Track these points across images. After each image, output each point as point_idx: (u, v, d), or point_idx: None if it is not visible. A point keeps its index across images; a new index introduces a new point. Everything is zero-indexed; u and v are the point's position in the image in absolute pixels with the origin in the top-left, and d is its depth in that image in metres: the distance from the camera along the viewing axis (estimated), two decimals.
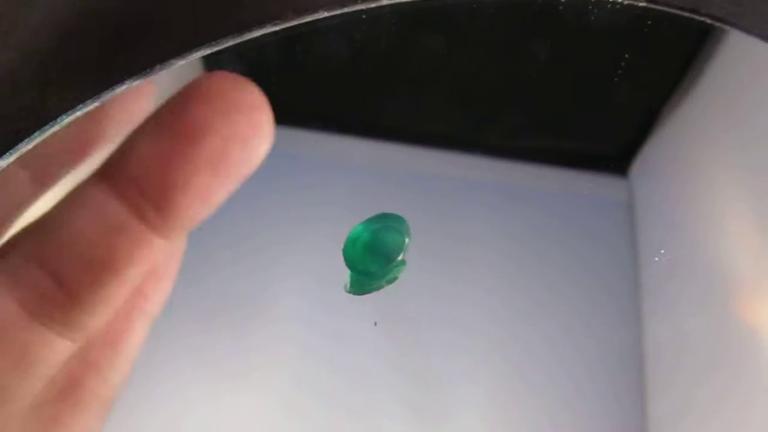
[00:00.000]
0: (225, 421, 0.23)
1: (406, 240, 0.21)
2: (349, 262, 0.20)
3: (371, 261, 0.20)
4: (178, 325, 0.21)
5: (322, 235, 0.22)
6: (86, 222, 0.14)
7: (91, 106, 0.17)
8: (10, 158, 0.17)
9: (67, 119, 0.17)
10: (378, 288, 0.20)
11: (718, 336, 0.23)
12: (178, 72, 0.18)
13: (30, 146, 0.17)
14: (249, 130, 0.14)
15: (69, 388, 0.16)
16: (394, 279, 0.21)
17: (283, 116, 0.26)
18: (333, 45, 0.25)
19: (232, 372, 0.23)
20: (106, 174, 0.15)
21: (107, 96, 0.17)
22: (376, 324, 0.23)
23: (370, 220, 0.20)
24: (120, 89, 0.17)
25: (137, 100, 0.18)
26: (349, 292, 0.21)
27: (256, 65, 0.24)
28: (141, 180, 0.14)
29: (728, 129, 0.23)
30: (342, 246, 0.20)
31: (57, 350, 0.15)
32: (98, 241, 0.14)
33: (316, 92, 0.26)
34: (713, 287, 0.23)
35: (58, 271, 0.14)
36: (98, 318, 0.15)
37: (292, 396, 0.23)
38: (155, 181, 0.14)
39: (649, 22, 0.24)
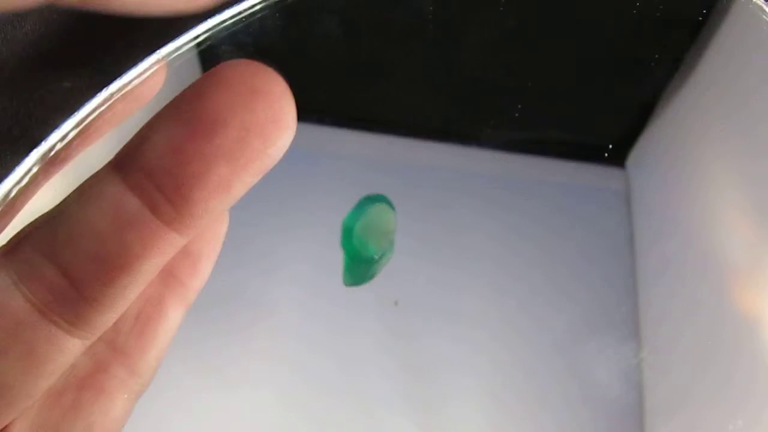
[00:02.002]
0: (222, 412, 0.23)
1: (395, 213, 0.21)
2: (351, 252, 0.20)
3: (371, 243, 0.20)
4: None
5: (319, 226, 0.22)
6: (99, 216, 0.14)
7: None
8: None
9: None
10: (374, 275, 0.21)
11: (714, 323, 0.23)
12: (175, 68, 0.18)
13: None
14: (270, 120, 0.14)
15: (93, 375, 0.16)
16: (386, 263, 0.21)
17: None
18: (328, 39, 0.25)
19: (230, 363, 0.23)
20: (120, 165, 0.14)
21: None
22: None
23: (357, 207, 0.21)
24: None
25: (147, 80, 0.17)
26: (350, 285, 0.21)
27: (253, 56, 0.25)
28: (156, 173, 0.14)
29: (723, 120, 0.23)
30: (338, 237, 0.21)
31: (66, 349, 0.14)
32: (111, 236, 0.14)
33: (312, 84, 0.26)
34: (709, 275, 0.23)
35: (69, 267, 0.14)
36: (109, 315, 0.15)
37: (290, 385, 0.23)
38: (171, 174, 0.14)
39: (646, 15, 0.24)
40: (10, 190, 0.16)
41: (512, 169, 0.26)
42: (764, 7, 0.17)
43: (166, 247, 0.14)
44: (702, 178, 0.24)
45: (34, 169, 0.16)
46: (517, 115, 0.26)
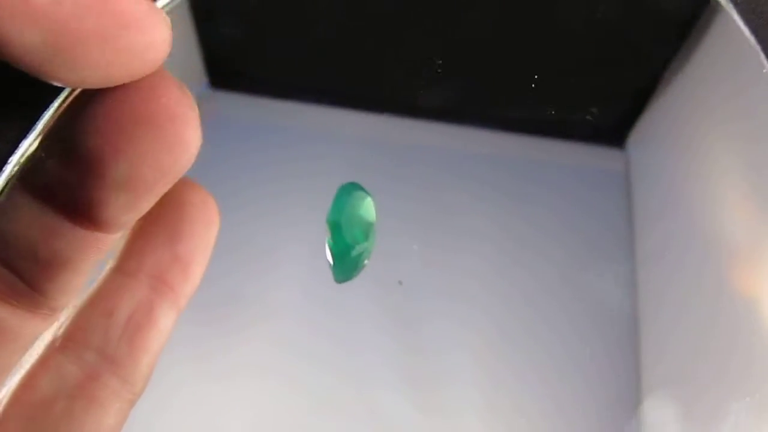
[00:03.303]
0: (218, 409, 0.23)
1: (368, 198, 0.21)
2: (340, 247, 0.20)
3: (357, 235, 0.20)
4: None
5: (312, 224, 0.22)
6: (25, 227, 0.14)
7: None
8: None
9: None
10: (361, 268, 0.21)
11: (714, 305, 0.23)
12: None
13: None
14: (163, 148, 0.13)
15: (84, 384, 0.16)
16: (371, 251, 0.21)
17: (275, 89, 0.26)
18: (327, 20, 0.25)
19: (226, 364, 0.23)
20: (29, 182, 0.14)
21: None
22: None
23: (336, 200, 0.20)
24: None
25: None
26: (340, 281, 0.21)
27: (251, 40, 0.24)
28: (60, 194, 0.14)
29: (724, 101, 0.23)
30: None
31: (33, 323, 0.15)
32: (41, 243, 0.14)
33: (310, 66, 0.26)
34: (709, 256, 0.23)
35: (12, 265, 0.14)
36: (65, 298, 0.15)
37: (286, 384, 0.23)
38: (73, 197, 0.14)
39: None
40: None
41: (510, 150, 0.26)
42: None
43: (97, 245, 0.14)
44: (702, 160, 0.24)
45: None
46: (514, 95, 0.25)
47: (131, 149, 0.13)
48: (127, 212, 0.14)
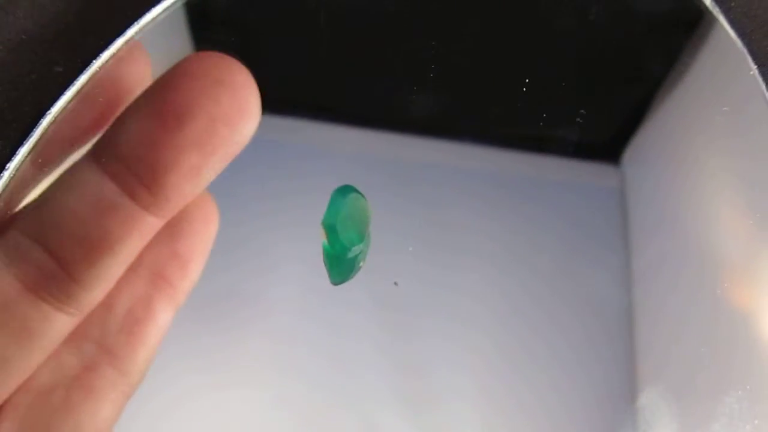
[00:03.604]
0: (216, 410, 0.23)
1: (363, 200, 0.21)
2: (336, 249, 0.20)
3: (353, 236, 0.20)
4: None
5: (311, 224, 0.22)
6: (80, 201, 0.15)
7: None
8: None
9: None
10: (357, 269, 0.21)
11: (709, 321, 0.23)
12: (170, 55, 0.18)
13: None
14: (235, 110, 0.15)
15: (82, 375, 0.16)
16: (366, 253, 0.21)
17: (271, 104, 0.26)
18: (323, 36, 0.25)
19: (225, 361, 0.23)
20: (98, 155, 0.15)
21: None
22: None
23: (332, 203, 0.21)
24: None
25: (134, 83, 0.18)
26: (337, 284, 0.21)
27: (244, 53, 0.24)
28: (131, 161, 0.15)
29: (719, 118, 0.23)
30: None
31: (55, 323, 0.15)
32: (91, 219, 0.15)
33: (304, 80, 0.26)
34: (705, 274, 0.23)
35: (55, 249, 0.15)
36: (95, 293, 0.15)
37: (285, 382, 0.23)
38: (144, 161, 0.14)
39: (642, 13, 0.24)
40: (6, 175, 0.17)
41: (506, 166, 0.26)
42: None
43: (144, 229, 0.15)
44: (698, 176, 0.24)
45: (26, 153, 0.17)
46: (510, 111, 0.25)
47: (211, 105, 0.14)
48: (191, 178, 0.15)
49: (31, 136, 0.17)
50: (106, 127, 0.16)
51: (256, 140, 0.26)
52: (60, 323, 0.15)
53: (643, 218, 0.25)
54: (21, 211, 0.16)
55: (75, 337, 0.16)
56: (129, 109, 0.15)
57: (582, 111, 0.25)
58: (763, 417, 0.21)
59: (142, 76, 0.18)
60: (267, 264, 0.24)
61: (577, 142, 0.26)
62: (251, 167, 0.25)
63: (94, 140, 0.16)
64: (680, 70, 0.24)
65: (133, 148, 0.15)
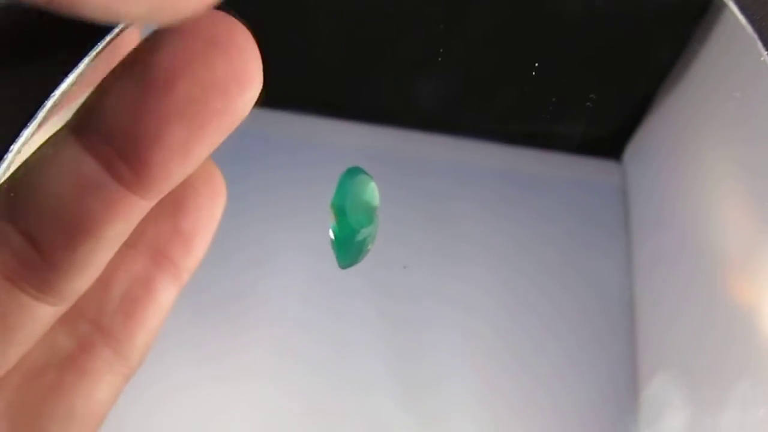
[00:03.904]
0: (216, 410, 0.23)
1: (372, 182, 0.21)
2: (344, 231, 0.20)
3: (362, 218, 0.20)
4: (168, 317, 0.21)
5: (312, 214, 0.22)
6: (58, 180, 0.13)
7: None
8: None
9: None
10: (366, 252, 0.20)
11: (711, 315, 0.23)
12: None
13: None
14: (231, 77, 0.13)
15: (76, 355, 0.15)
16: (375, 236, 0.21)
17: (272, 99, 0.26)
18: (324, 29, 0.25)
19: (225, 351, 0.23)
20: (77, 127, 0.14)
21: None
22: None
23: (340, 185, 0.20)
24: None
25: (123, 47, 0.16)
26: (345, 267, 0.21)
27: None
28: (112, 134, 0.13)
29: (720, 113, 0.23)
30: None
31: (37, 316, 0.14)
32: (72, 201, 0.13)
33: (306, 75, 0.26)
34: (706, 267, 0.23)
35: (33, 233, 0.13)
36: (78, 282, 0.14)
37: (286, 372, 0.23)
38: (125, 134, 0.13)
39: (644, 7, 0.24)
40: None
41: (507, 162, 0.26)
42: None
43: (130, 211, 0.14)
44: (699, 172, 0.24)
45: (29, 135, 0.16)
46: (512, 107, 0.26)
47: (204, 69, 0.12)
48: (178, 156, 0.13)
49: (34, 119, 0.16)
50: (86, 94, 0.14)
51: (258, 134, 0.27)
52: (41, 314, 0.14)
53: (645, 213, 0.25)
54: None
55: (70, 315, 0.15)
56: (111, 74, 0.13)
57: (584, 108, 0.25)
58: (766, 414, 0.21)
59: (131, 39, 0.17)
60: (268, 253, 0.24)
61: (579, 138, 0.26)
62: (252, 161, 0.25)
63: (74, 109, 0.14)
64: (682, 67, 0.24)
65: (114, 119, 0.13)
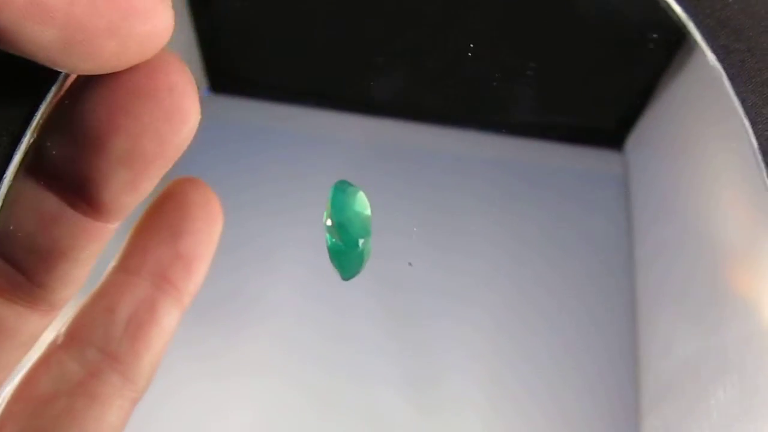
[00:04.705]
0: (218, 408, 0.23)
1: (360, 192, 0.21)
2: (350, 247, 0.20)
3: (361, 230, 0.20)
4: None
5: (312, 211, 0.22)
6: (26, 218, 0.14)
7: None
8: None
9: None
10: (366, 260, 0.21)
11: (714, 308, 0.23)
12: None
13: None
14: (160, 119, 0.13)
15: (85, 381, 0.16)
16: (370, 246, 0.21)
17: (269, 93, 0.26)
18: (325, 25, 0.25)
19: (227, 353, 0.23)
20: (33, 169, 0.14)
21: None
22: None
23: (335, 201, 0.21)
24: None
25: None
26: (348, 279, 0.21)
27: (251, 45, 0.24)
28: (62, 178, 0.14)
29: (722, 103, 0.23)
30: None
31: (31, 320, 0.15)
32: (41, 234, 0.14)
33: (302, 69, 0.26)
34: (708, 258, 0.23)
35: (12, 259, 0.14)
36: (64, 292, 0.15)
37: (288, 371, 0.23)
38: (75, 179, 0.14)
39: None
40: None
41: (508, 153, 0.26)
42: None
43: (97, 235, 0.14)
44: (701, 162, 0.24)
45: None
46: (513, 98, 0.25)
47: (131, 122, 0.13)
48: (128, 192, 0.14)
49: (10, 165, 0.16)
50: (34, 135, 0.15)
51: (257, 127, 0.27)
52: (35, 319, 0.15)
53: (647, 204, 0.25)
54: None
55: (77, 342, 0.16)
56: (53, 122, 0.14)
57: (585, 98, 0.25)
58: (763, 405, 0.21)
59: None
60: (269, 263, 0.24)
61: (580, 128, 0.26)
62: (252, 170, 0.25)
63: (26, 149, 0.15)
64: (683, 56, 0.24)
65: (61, 166, 0.14)
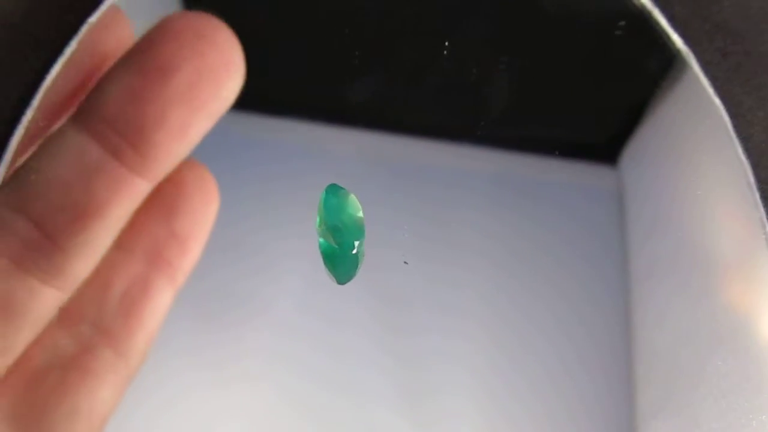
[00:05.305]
0: (212, 413, 0.23)
1: (351, 194, 0.21)
2: (345, 250, 0.20)
3: (356, 233, 0.20)
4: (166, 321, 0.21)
5: (307, 221, 0.22)
6: (64, 166, 0.14)
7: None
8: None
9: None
10: (360, 263, 0.20)
11: (708, 322, 0.23)
12: None
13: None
14: (220, 65, 0.14)
15: (78, 356, 0.16)
16: (363, 247, 0.21)
17: (270, 105, 0.26)
18: (322, 40, 0.25)
19: (223, 358, 0.23)
20: (81, 116, 0.15)
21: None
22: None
23: (327, 205, 0.21)
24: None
25: (116, 47, 0.17)
26: (344, 282, 0.21)
27: (249, 60, 0.24)
28: (116, 119, 0.14)
29: (716, 118, 0.23)
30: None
31: (43, 298, 0.15)
32: (77, 184, 0.14)
33: (302, 82, 0.26)
34: (702, 273, 0.23)
35: (39, 218, 0.14)
36: (83, 264, 0.15)
37: (285, 380, 0.23)
38: (130, 118, 0.14)
39: (640, 14, 0.24)
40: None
41: (503, 167, 0.26)
42: None
43: (133, 192, 0.15)
44: (695, 177, 0.24)
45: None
46: (508, 112, 0.25)
47: (197, 57, 0.14)
48: (177, 137, 0.14)
49: (27, 109, 0.17)
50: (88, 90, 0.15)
51: (258, 141, 0.26)
52: (47, 298, 0.15)
53: (641, 219, 0.25)
54: (5, 180, 0.16)
55: (71, 318, 0.16)
56: (112, 69, 0.15)
57: (579, 112, 0.25)
58: (762, 412, 0.21)
59: (124, 40, 0.18)
60: (268, 260, 0.24)
61: (574, 143, 0.26)
62: (251, 168, 0.25)
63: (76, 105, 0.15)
64: (678, 71, 0.24)
65: (118, 106, 0.14)
